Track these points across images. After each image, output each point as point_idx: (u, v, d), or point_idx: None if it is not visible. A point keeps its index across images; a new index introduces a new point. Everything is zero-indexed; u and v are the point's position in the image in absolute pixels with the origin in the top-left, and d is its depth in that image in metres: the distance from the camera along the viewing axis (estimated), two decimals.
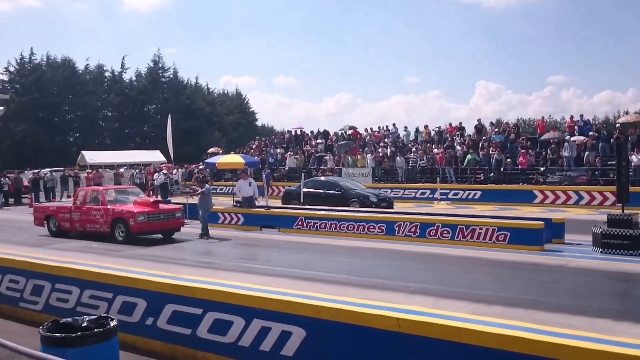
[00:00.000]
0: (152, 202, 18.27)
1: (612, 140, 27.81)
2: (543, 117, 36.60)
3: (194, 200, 19.78)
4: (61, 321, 6.07)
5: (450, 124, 37.18)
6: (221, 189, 36.16)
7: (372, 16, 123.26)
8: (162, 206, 18.45)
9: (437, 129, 37.14)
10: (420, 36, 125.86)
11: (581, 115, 32.53)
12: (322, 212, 19.53)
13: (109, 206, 17.89)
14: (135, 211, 17.32)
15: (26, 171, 39.56)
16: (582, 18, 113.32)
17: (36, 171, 36.77)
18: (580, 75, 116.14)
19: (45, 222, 19.79)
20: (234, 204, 22.49)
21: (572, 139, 29.17)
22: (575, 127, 31.34)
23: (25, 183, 35.30)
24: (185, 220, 19.55)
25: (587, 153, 27.96)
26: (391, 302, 8.08)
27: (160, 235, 18.22)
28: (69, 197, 34.84)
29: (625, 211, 14.32)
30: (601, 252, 13.78)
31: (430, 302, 8.95)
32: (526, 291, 10.23)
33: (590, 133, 29.26)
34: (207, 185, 19.55)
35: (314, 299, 7.84)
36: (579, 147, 28.56)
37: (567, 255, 13.92)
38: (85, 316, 6.25)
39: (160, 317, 8.88)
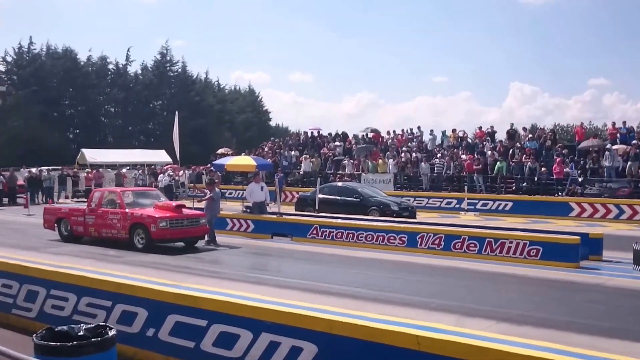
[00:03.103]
0: (174, 207, 17.87)
1: None
2: (582, 124, 36.44)
3: (200, 204, 19.81)
4: (56, 329, 6.13)
5: (479, 128, 37.15)
6: (230, 193, 36.29)
7: (397, 10, 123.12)
8: (186, 211, 18.10)
9: (463, 134, 37.17)
10: (449, 33, 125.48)
11: (624, 122, 32.36)
12: (339, 221, 19.58)
13: (127, 210, 17.60)
14: (157, 216, 16.97)
15: (22, 169, 39.89)
16: (628, 17, 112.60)
17: (34, 169, 37.10)
18: (624, 79, 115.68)
19: (55, 225, 19.61)
20: (244, 209, 22.59)
21: (614, 147, 29.04)
22: (618, 134, 31.20)
23: (21, 182, 35.59)
24: None
25: (629, 163, 27.80)
26: (410, 318, 8.10)
27: (182, 244, 18.05)
28: (66, 197, 35.22)
29: None
30: None
31: (453, 319, 8.94)
32: (559, 311, 10.19)
33: (634, 142, 29.07)
34: (216, 190, 19.51)
35: (327, 313, 7.88)
36: (621, 156, 28.41)
37: (604, 273, 13.86)
38: (82, 324, 6.31)
39: (162, 328, 8.96)
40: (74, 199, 34.21)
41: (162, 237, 17.05)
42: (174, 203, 18.90)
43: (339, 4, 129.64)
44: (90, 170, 42.13)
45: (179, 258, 15.95)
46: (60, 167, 41.62)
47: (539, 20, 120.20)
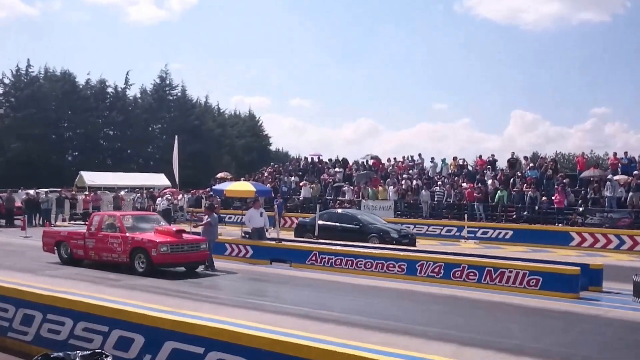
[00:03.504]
0: (175, 232, 17.89)
1: None
2: (583, 153, 36.68)
3: (197, 229, 19.86)
4: (52, 355, 6.17)
5: (480, 157, 37.28)
6: (229, 218, 36.29)
7: (397, 37, 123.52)
8: (186, 236, 18.14)
9: (464, 161, 37.31)
10: (450, 59, 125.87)
11: (625, 153, 32.43)
12: (338, 248, 19.60)
13: (128, 234, 17.65)
14: (158, 241, 17.02)
15: (19, 191, 39.94)
16: (630, 44, 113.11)
17: (32, 191, 37.15)
18: (626, 108, 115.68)
19: (55, 248, 19.65)
20: (243, 234, 22.63)
21: (615, 177, 29.12)
22: (619, 164, 31.31)
23: (18, 204, 35.62)
24: None
25: (631, 194, 27.86)
26: (408, 348, 8.13)
27: (182, 268, 18.08)
28: (64, 220, 35.23)
29: None
30: None
31: (452, 349, 8.98)
32: (558, 342, 10.22)
33: (635, 172, 29.13)
34: (214, 215, 19.58)
35: (325, 343, 7.90)
36: (622, 186, 28.48)
37: (604, 304, 13.89)
38: (77, 351, 6.36)
39: (159, 355, 8.94)
40: (71, 222, 34.24)
41: (163, 262, 17.10)
42: (174, 228, 18.89)
43: (340, 31, 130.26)
44: (88, 192, 42.10)
45: (177, 283, 15.97)
46: (58, 190, 41.68)
47: (540, 48, 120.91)
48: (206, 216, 19.17)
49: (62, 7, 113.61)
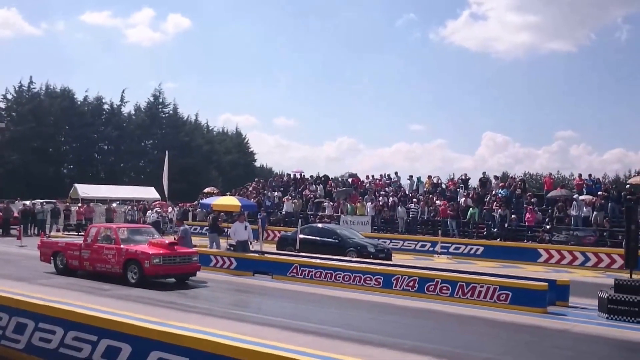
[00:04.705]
0: (167, 244, 17.67)
1: (622, 200, 27.89)
2: (550, 174, 36.73)
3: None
4: None
5: (451, 179, 37.43)
6: None
7: (377, 62, 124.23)
8: (179, 249, 17.89)
9: (438, 180, 37.35)
10: (426, 83, 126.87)
11: (589, 175, 32.73)
12: (318, 261, 19.45)
13: (122, 246, 17.39)
14: (151, 252, 16.79)
15: (16, 201, 39.54)
16: (594, 73, 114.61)
17: (28, 202, 36.80)
18: (590, 132, 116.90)
19: (52, 258, 19.33)
20: (228, 247, 22.46)
21: (581, 197, 29.21)
22: (584, 185, 31.44)
23: (15, 214, 35.26)
24: None
25: (595, 213, 27.95)
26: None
27: (173, 280, 17.73)
28: (58, 230, 34.82)
29: (633, 276, 14.28)
30: (607, 317, 13.69)
31: None
32: (527, 356, 10.16)
33: (600, 192, 29.30)
34: (184, 226, 19.56)
35: (305, 355, 7.79)
36: (587, 206, 28.56)
37: (571, 319, 13.81)
38: None
39: None
40: (65, 232, 33.83)
41: (155, 273, 16.87)
42: (167, 240, 18.61)
43: (322, 56, 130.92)
44: (81, 204, 41.71)
45: (164, 293, 15.71)
46: (53, 201, 41.26)
47: (511, 75, 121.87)
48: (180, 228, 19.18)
49: (65, 28, 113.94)
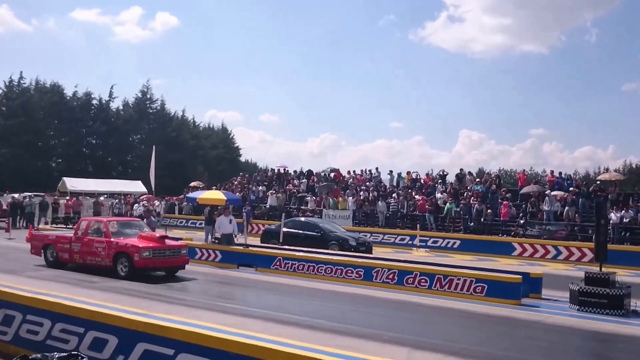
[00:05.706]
0: (158, 238, 17.49)
1: (592, 196, 28.11)
2: (524, 170, 37.01)
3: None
4: (30, 357, 5.95)
5: (428, 175, 37.57)
6: (200, 224, 35.85)
7: (358, 60, 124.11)
8: (168, 242, 17.70)
9: (417, 175, 37.41)
10: (405, 82, 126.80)
11: (560, 172, 32.98)
12: (301, 254, 19.44)
13: (112, 239, 17.19)
14: (141, 246, 16.57)
15: (5, 194, 39.12)
16: (565, 73, 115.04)
17: (17, 195, 36.43)
18: (561, 130, 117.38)
19: (42, 251, 19.03)
20: (213, 240, 22.38)
21: (553, 193, 29.39)
22: (556, 181, 31.63)
23: (4, 207, 34.88)
24: None
25: (567, 208, 28.14)
26: (365, 351, 8.03)
27: (162, 273, 17.55)
28: (46, 223, 34.49)
29: (602, 269, 14.38)
30: (578, 309, 13.82)
31: (404, 352, 8.88)
32: (502, 346, 10.18)
33: (571, 189, 29.52)
34: (152, 218, 19.44)
35: (288, 346, 7.76)
36: (559, 201, 28.75)
37: (543, 311, 13.88)
38: (55, 353, 6.14)
39: (131, 356, 8.71)
40: (53, 225, 33.51)
41: (145, 266, 16.68)
42: (157, 234, 18.46)
43: (305, 55, 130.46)
44: (69, 197, 41.33)
45: (150, 286, 15.57)
46: (42, 194, 40.86)
47: (486, 75, 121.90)
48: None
49: (55, 25, 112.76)
